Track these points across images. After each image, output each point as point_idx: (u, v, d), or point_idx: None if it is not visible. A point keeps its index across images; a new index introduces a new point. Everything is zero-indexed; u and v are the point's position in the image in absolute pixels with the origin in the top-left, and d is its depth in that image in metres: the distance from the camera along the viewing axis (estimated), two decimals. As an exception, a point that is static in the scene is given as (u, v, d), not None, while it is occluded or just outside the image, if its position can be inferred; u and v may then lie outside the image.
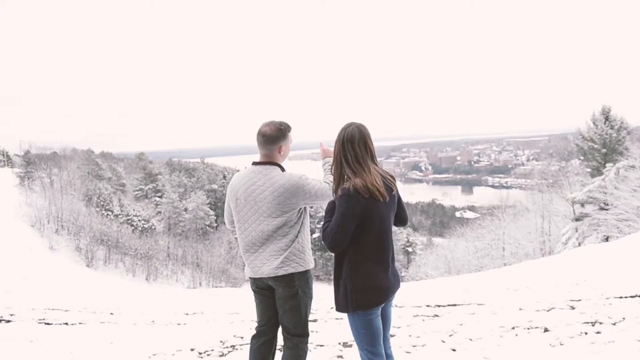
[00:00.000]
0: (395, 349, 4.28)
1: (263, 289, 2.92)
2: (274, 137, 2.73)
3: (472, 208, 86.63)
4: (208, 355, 4.63)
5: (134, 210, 45.42)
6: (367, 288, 2.45)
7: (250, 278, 2.94)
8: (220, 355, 4.59)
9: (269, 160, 2.77)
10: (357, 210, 2.35)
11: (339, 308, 2.51)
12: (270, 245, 2.78)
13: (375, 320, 2.50)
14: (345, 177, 2.43)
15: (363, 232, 2.42)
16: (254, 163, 2.82)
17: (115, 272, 32.85)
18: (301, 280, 2.83)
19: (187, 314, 8.61)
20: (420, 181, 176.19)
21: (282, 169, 2.77)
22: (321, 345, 4.60)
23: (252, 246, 2.83)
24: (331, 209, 2.45)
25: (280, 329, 2.98)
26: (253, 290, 2.98)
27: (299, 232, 2.78)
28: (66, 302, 10.88)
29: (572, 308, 5.61)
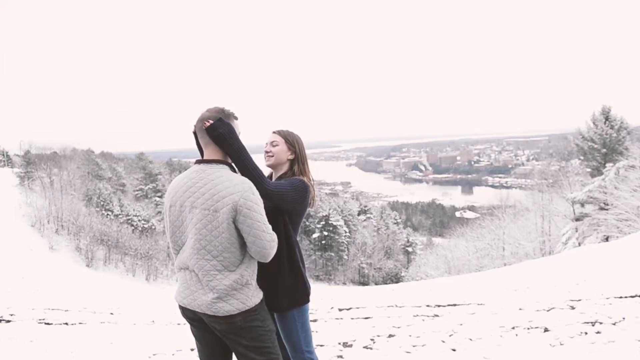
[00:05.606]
0: (395, 349, 4.28)
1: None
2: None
3: (472, 208, 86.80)
4: (208, 355, 4.62)
5: (134, 210, 45.35)
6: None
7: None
8: (220, 355, 4.58)
9: (217, 158, 2.12)
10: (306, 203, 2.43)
11: (297, 303, 2.29)
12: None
13: None
14: (295, 171, 2.46)
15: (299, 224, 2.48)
16: (198, 161, 2.15)
17: (115, 272, 32.84)
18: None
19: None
20: (420, 181, 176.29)
21: (234, 170, 2.14)
22: (321, 345, 4.59)
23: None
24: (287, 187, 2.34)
25: None
26: None
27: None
28: (66, 302, 10.90)
29: (572, 308, 5.60)
